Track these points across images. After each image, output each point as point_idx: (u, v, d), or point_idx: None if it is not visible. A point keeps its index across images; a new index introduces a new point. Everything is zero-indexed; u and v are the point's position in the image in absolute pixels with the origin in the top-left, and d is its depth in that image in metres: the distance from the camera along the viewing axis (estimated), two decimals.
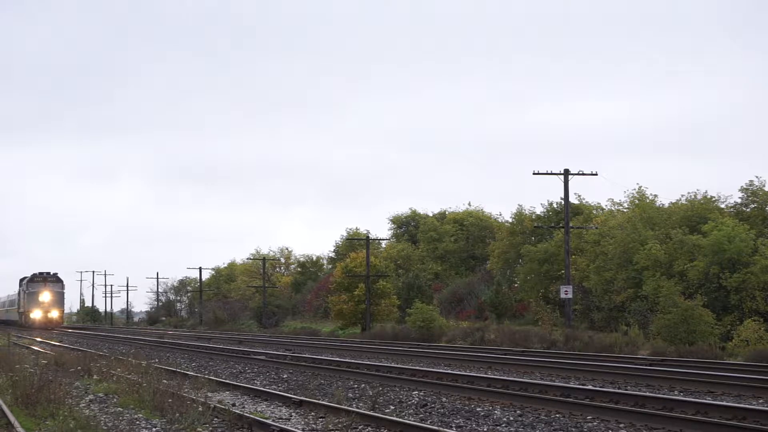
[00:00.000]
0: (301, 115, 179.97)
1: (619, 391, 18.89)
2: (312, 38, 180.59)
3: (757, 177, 50.48)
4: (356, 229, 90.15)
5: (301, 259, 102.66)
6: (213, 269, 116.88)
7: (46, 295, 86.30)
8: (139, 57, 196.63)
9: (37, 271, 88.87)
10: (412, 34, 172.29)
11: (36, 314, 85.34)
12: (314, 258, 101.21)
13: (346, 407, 15.96)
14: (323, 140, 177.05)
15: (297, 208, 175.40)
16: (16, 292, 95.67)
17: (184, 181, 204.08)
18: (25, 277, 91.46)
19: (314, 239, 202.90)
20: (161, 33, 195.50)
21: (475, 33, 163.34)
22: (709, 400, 17.32)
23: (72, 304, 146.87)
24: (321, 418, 15.50)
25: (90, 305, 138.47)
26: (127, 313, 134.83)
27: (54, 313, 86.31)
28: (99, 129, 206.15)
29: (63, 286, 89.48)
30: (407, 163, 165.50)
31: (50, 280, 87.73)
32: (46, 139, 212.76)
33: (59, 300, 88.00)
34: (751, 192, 50.33)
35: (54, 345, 42.74)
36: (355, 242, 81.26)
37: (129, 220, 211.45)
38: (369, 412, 15.35)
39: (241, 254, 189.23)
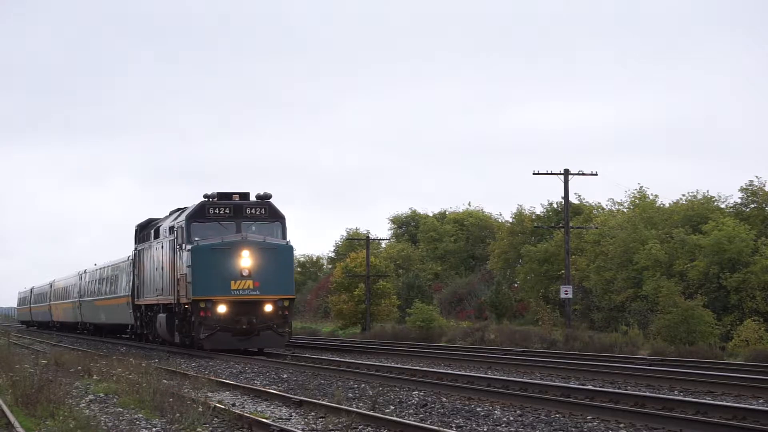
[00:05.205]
0: (301, 115, 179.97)
1: (619, 391, 18.89)
2: (311, 38, 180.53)
3: (757, 177, 50.52)
4: (356, 229, 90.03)
5: (301, 259, 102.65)
6: None
7: (246, 258, 30.96)
8: (136, 58, 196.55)
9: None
10: (411, 32, 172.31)
11: (221, 308, 30.85)
12: (314, 258, 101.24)
13: (346, 407, 15.95)
14: (323, 140, 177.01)
15: (296, 208, 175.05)
16: (124, 260, 43.58)
17: (184, 181, 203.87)
18: (151, 222, 39.27)
19: (314, 239, 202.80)
20: (158, 34, 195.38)
21: (476, 32, 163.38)
22: (709, 400, 17.31)
23: None
24: (321, 418, 15.49)
25: None
26: None
27: (268, 307, 31.20)
28: (97, 130, 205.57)
29: (284, 229, 32.78)
30: (407, 163, 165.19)
31: (253, 214, 32.47)
32: (46, 139, 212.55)
33: (283, 267, 31.98)
34: (751, 192, 50.34)
35: (53, 345, 42.68)
36: (355, 242, 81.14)
37: (129, 220, 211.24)
38: (369, 412, 15.35)
39: None
